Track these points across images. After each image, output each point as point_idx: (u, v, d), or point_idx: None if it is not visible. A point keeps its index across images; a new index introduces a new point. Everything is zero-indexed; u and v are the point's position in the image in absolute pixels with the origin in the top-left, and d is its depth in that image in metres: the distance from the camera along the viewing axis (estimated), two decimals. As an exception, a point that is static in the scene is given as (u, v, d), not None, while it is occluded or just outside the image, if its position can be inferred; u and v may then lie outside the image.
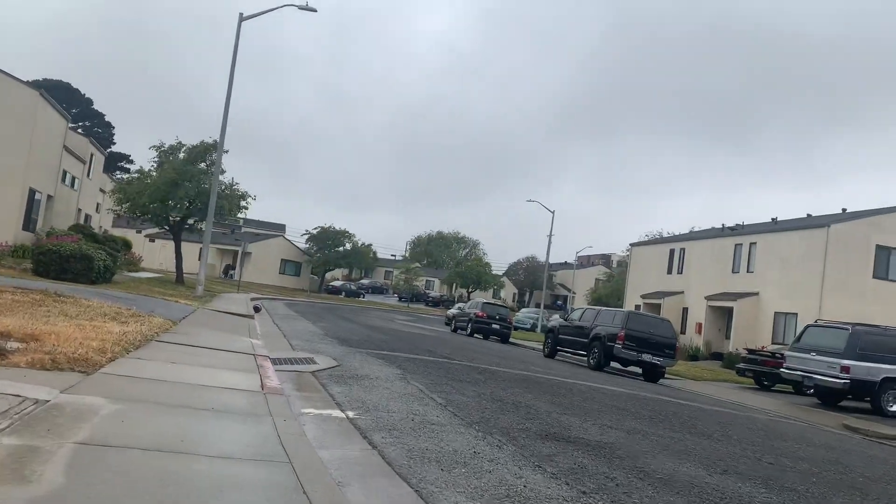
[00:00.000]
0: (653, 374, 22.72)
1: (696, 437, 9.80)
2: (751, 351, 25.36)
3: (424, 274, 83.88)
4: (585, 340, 23.91)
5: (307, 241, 68.35)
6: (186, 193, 32.89)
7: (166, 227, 37.25)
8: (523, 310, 70.49)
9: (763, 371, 23.72)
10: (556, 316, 36.33)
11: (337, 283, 74.20)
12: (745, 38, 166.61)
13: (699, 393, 20.92)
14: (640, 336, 22.46)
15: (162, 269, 59.77)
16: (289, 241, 68.15)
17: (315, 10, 25.62)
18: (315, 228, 68.02)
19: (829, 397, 20.64)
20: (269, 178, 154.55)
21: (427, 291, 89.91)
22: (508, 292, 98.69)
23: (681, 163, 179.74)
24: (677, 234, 48.37)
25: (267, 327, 19.10)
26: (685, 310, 39.32)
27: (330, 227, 67.90)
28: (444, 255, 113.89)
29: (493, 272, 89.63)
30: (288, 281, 67.19)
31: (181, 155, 34.04)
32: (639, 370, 23.72)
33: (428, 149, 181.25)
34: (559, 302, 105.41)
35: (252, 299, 38.13)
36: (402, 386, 10.07)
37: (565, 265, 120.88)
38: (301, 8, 25.13)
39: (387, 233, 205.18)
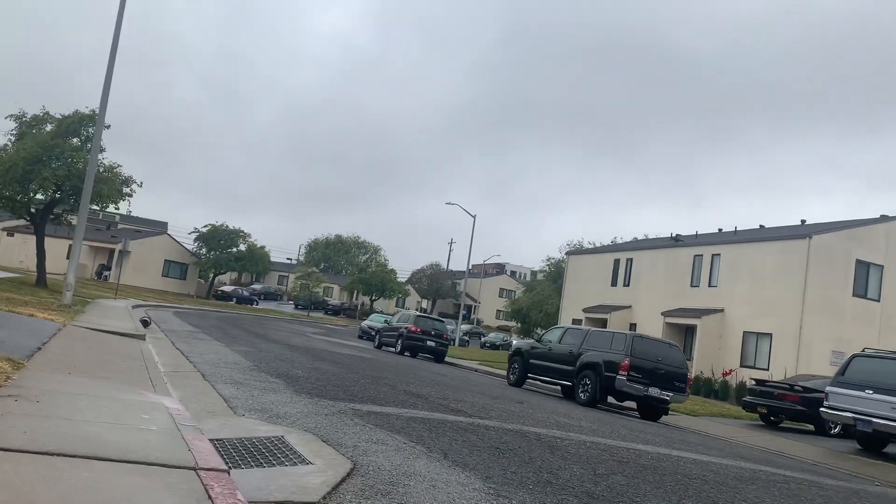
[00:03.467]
0: (654, 412, 18.70)
1: None
2: (760, 382, 21.59)
3: (326, 280, 77.45)
4: (570, 368, 19.35)
5: (195, 240, 60.77)
6: (54, 174, 25.83)
7: (26, 217, 29.84)
8: (464, 325, 65.95)
9: (781, 407, 19.92)
10: (514, 337, 31.91)
11: (227, 289, 66.76)
12: (635, 54, 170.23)
13: (714, 436, 16.88)
14: (647, 366, 18.20)
15: (23, 268, 50.90)
16: (174, 239, 60.27)
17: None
18: (205, 226, 60.58)
19: (874, 443, 17.05)
20: (146, 174, 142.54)
21: (326, 299, 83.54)
22: (412, 301, 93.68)
23: (569, 176, 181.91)
24: (619, 242, 45.04)
25: (169, 356, 13.25)
26: (633, 326, 35.71)
27: (222, 225, 60.70)
28: (342, 260, 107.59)
29: (398, 279, 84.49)
30: (172, 284, 59.31)
31: (48, 128, 26.94)
32: (632, 405, 19.51)
33: (319, 150, 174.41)
34: (464, 312, 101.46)
35: (134, 307, 31.25)
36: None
37: (470, 274, 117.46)
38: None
39: (276, 236, 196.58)
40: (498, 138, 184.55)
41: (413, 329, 29.58)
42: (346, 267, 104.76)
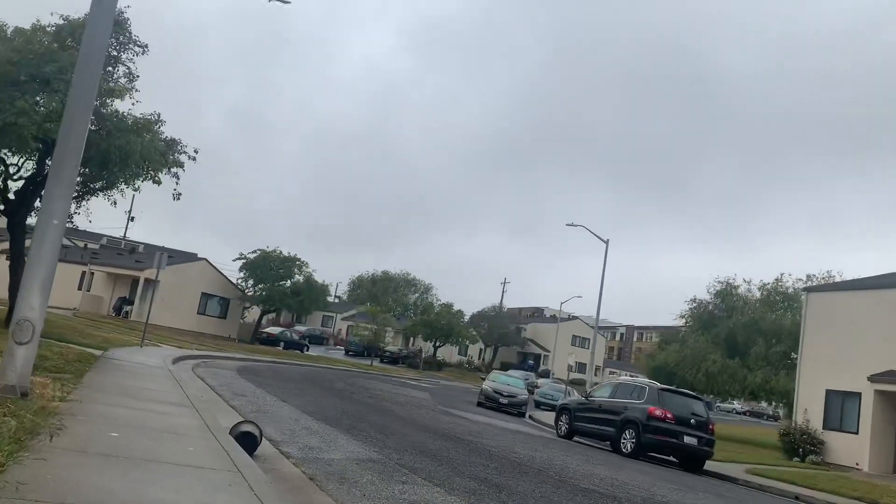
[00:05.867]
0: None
1: None
2: None
3: (395, 324, 65.15)
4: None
5: (241, 268, 48.80)
6: (35, 111, 13.59)
7: None
8: (542, 380, 53.45)
9: None
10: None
11: (273, 331, 54.58)
12: (681, 84, 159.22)
13: None
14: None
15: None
16: (214, 267, 48.36)
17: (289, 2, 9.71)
18: (253, 252, 48.68)
19: None
20: (165, 205, 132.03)
21: (382, 344, 70.95)
22: (474, 350, 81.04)
23: (613, 214, 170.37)
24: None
25: None
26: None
27: (275, 251, 48.76)
28: (389, 299, 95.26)
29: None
30: (210, 324, 47.23)
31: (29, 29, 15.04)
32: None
33: (347, 183, 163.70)
34: (531, 361, 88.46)
35: (176, 360, 19.09)
36: None
37: (534, 317, 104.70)
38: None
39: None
40: (534, 172, 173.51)
41: (659, 414, 17.23)
42: (393, 307, 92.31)
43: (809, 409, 26.53)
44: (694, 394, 20.61)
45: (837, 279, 38.84)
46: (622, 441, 18.02)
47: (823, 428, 25.94)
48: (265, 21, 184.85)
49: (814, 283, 40.92)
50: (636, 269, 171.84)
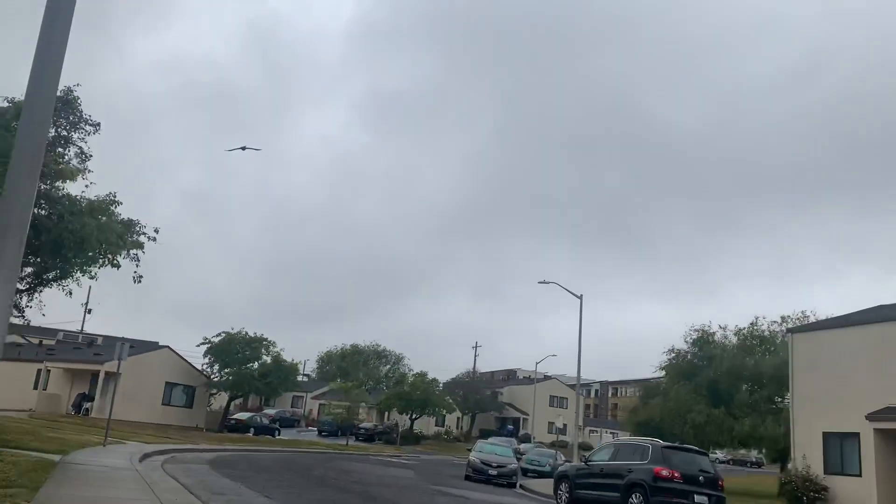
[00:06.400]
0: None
1: None
2: None
3: (369, 399, 63.09)
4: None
5: (205, 354, 46.89)
6: None
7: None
8: (525, 445, 51.94)
9: None
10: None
11: (242, 416, 52.31)
12: (630, 140, 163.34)
13: None
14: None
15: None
16: (177, 355, 46.34)
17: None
18: (217, 335, 46.87)
19: None
20: (119, 294, 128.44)
21: (356, 422, 68.68)
22: (451, 419, 78.86)
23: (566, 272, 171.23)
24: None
25: None
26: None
27: (240, 332, 47.03)
28: (359, 373, 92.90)
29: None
30: (175, 415, 44.96)
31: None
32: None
33: (306, 261, 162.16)
34: (510, 426, 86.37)
35: (142, 458, 17.59)
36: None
37: (508, 380, 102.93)
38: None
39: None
40: (493, 237, 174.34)
41: (666, 474, 16.24)
42: (365, 381, 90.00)
43: (808, 454, 25.73)
44: (699, 449, 19.71)
45: (811, 319, 38.67)
46: None
47: (825, 473, 25.11)
48: (217, 103, 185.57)
49: (790, 324, 40.72)
50: (604, 326, 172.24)
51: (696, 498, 16.36)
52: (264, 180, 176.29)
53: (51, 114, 8.29)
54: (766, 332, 43.34)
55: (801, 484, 24.97)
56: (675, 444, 19.76)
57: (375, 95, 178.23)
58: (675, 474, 16.41)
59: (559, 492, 20.35)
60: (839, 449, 24.97)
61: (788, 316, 41.46)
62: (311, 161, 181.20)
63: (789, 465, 27.46)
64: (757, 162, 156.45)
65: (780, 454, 39.63)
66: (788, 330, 32.00)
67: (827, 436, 25.36)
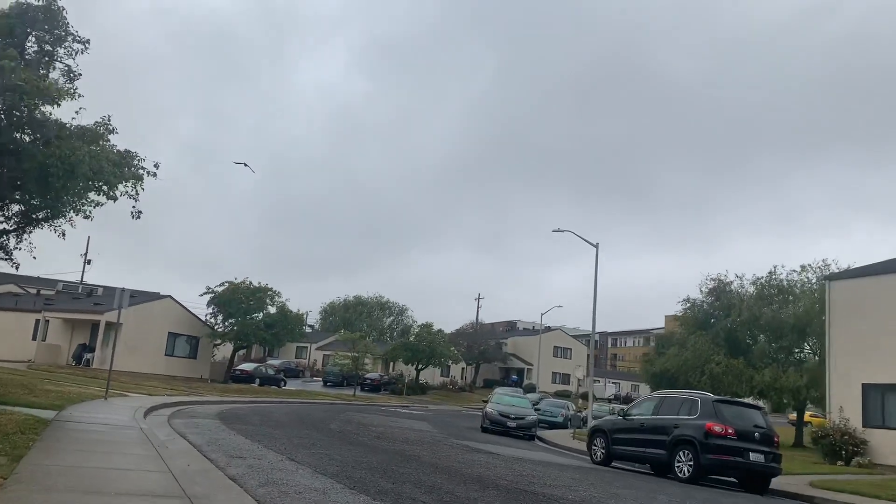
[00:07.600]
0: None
1: None
2: None
3: (378, 350, 61.99)
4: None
5: (209, 304, 45.53)
6: None
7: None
8: (530, 395, 50.92)
9: None
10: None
11: (247, 367, 51.28)
12: (633, 89, 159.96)
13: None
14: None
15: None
16: (180, 305, 44.99)
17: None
18: (221, 285, 45.45)
19: None
20: (120, 246, 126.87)
21: (362, 372, 67.84)
22: (457, 370, 78.04)
23: (574, 221, 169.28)
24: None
25: None
26: None
27: (244, 282, 45.61)
28: (363, 324, 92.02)
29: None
30: (179, 366, 43.84)
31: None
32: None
33: (306, 213, 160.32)
34: (514, 377, 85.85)
35: (148, 411, 16.26)
36: None
37: (509, 332, 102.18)
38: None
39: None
40: (494, 188, 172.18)
41: (719, 430, 14.88)
42: (369, 332, 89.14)
43: (845, 407, 24.51)
44: (753, 403, 18.37)
45: (833, 268, 37.19)
46: (676, 464, 15.59)
47: (863, 426, 23.94)
48: (213, 52, 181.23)
49: (811, 273, 39.31)
50: (604, 276, 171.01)
51: (752, 456, 15.03)
52: (263, 131, 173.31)
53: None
54: (785, 282, 41.96)
55: (838, 438, 23.82)
56: (727, 398, 18.37)
57: (372, 41, 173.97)
58: (729, 430, 15.05)
59: (594, 447, 19.07)
60: (880, 401, 23.76)
61: (809, 265, 40.08)
62: (311, 111, 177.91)
63: (826, 418, 26.25)
64: (760, 112, 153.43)
65: (801, 405, 38.67)
66: (825, 277, 30.45)
67: (866, 387, 24.12)
